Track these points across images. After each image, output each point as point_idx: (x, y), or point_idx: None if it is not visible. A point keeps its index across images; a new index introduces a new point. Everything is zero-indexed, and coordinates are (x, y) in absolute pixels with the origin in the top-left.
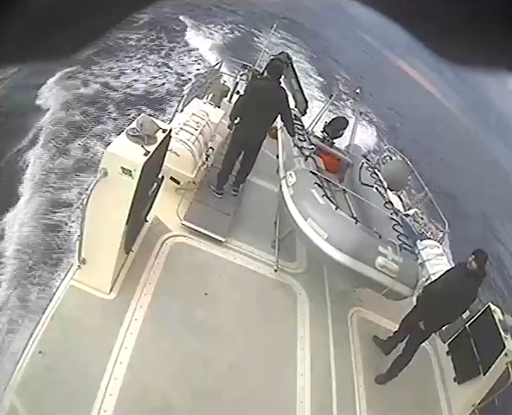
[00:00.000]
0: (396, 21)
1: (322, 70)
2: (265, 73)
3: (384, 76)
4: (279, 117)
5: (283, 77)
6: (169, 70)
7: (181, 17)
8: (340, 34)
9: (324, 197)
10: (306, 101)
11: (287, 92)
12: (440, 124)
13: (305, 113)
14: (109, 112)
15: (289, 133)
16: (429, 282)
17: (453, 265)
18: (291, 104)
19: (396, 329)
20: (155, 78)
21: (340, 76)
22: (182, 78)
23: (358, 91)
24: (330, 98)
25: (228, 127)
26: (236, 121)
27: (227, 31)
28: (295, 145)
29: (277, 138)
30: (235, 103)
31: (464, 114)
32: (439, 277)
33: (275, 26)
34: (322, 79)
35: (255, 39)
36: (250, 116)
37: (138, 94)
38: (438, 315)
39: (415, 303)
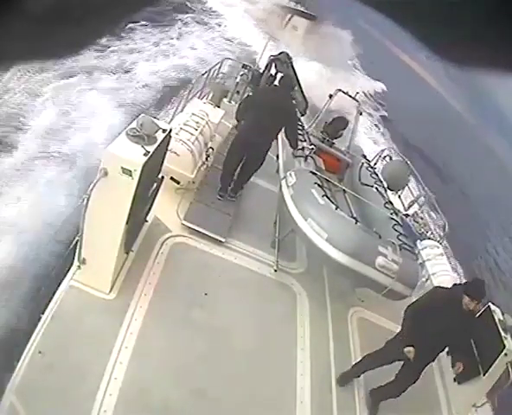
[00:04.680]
0: (399, 22)
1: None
2: (276, 82)
3: (385, 75)
4: (284, 129)
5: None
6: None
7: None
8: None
9: (324, 197)
10: (306, 101)
11: (296, 106)
12: (441, 122)
13: (305, 113)
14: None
15: (291, 146)
16: (413, 302)
17: (442, 288)
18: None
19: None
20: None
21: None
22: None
23: (358, 91)
24: (330, 98)
25: (236, 127)
26: (242, 123)
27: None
28: (296, 153)
29: (277, 139)
30: (240, 104)
31: (465, 112)
32: (427, 297)
33: None
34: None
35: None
36: (255, 120)
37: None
38: (427, 343)
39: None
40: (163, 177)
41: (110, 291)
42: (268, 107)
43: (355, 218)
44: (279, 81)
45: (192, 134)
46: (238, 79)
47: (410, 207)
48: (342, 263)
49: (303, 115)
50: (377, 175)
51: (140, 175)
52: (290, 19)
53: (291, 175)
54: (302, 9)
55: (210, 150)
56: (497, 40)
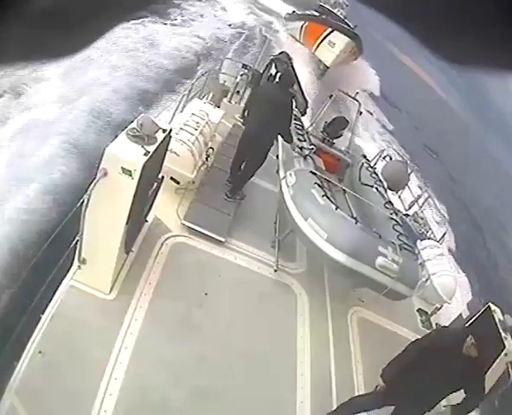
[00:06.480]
0: (400, 22)
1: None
2: (276, 79)
3: (386, 74)
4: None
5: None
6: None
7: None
8: None
9: (324, 197)
10: (306, 101)
11: (293, 104)
12: (440, 122)
13: (305, 113)
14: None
15: (285, 140)
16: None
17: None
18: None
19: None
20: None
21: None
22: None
23: (358, 91)
24: (330, 97)
25: (242, 123)
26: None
27: None
28: (294, 146)
29: (277, 139)
30: (247, 101)
31: (464, 112)
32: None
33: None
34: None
35: None
36: (256, 117)
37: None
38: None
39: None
40: (163, 177)
41: (110, 291)
42: (267, 103)
43: (355, 218)
44: (279, 78)
45: (192, 134)
46: (238, 79)
47: (410, 207)
48: (342, 263)
49: (303, 115)
50: (377, 175)
51: (140, 176)
52: (329, 34)
53: (290, 175)
54: (345, 24)
55: (210, 150)
56: (500, 40)
